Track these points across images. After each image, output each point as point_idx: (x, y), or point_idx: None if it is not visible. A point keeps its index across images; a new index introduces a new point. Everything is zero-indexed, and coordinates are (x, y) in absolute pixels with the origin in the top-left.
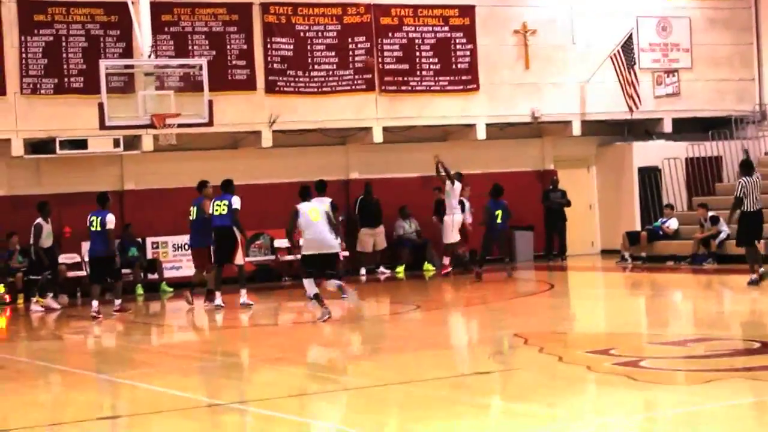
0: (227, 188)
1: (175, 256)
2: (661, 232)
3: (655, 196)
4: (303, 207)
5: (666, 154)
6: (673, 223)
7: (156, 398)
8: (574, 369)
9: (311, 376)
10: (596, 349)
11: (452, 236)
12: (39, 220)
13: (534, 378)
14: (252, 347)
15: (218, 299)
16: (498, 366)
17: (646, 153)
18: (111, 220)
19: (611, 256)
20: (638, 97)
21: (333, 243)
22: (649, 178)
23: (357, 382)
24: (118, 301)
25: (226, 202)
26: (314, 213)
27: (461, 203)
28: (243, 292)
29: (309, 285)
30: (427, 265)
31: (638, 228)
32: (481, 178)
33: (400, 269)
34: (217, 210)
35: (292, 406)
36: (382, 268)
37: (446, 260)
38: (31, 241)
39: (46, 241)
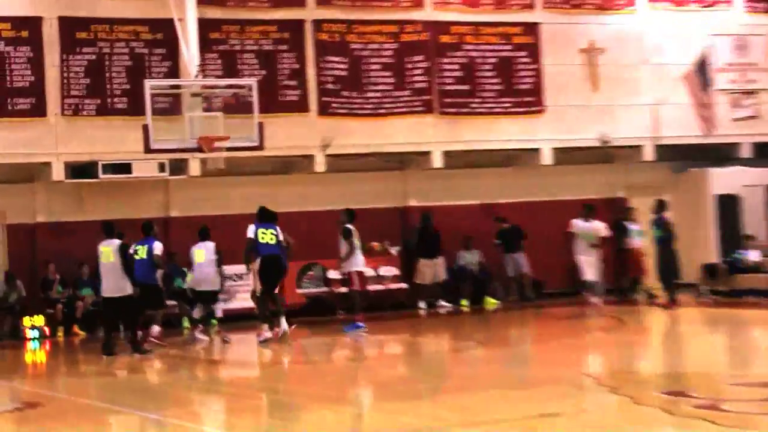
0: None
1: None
2: (741, 265)
3: (735, 225)
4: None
5: (745, 181)
6: (753, 255)
7: None
8: (649, 411)
9: (366, 417)
10: (673, 389)
11: (589, 273)
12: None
13: (606, 420)
14: (303, 385)
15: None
16: (567, 407)
17: (724, 180)
18: (158, 247)
19: (687, 290)
20: (715, 120)
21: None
22: (728, 206)
23: (414, 423)
24: (156, 329)
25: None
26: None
27: (621, 227)
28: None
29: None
30: (489, 299)
31: (716, 260)
32: (546, 206)
33: (465, 302)
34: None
35: None
36: (442, 302)
37: (593, 299)
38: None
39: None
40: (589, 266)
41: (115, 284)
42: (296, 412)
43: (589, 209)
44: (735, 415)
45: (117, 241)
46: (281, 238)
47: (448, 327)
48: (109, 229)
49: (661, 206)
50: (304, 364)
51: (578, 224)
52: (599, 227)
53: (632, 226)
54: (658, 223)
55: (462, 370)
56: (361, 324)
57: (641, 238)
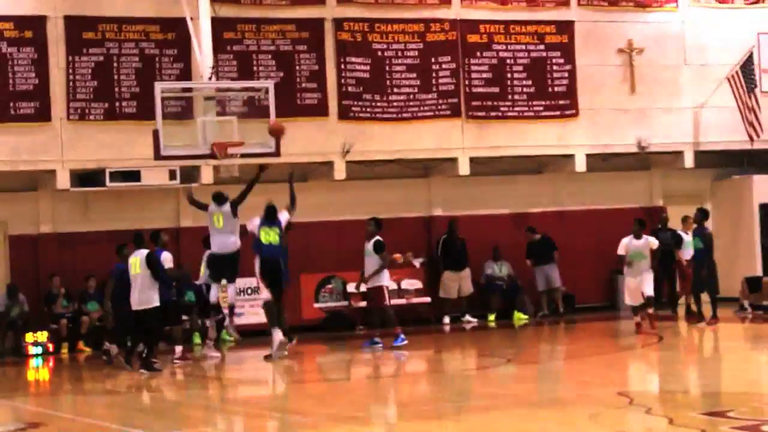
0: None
1: (236, 300)
2: None
3: None
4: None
5: None
6: None
7: None
8: None
9: None
10: (712, 410)
11: (633, 297)
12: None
13: None
14: (321, 404)
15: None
16: (600, 428)
17: None
18: (168, 258)
19: (729, 305)
20: (759, 124)
21: None
22: None
23: None
24: (179, 349)
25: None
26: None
27: (675, 236)
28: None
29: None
30: (518, 314)
31: (760, 273)
32: (580, 215)
33: (492, 317)
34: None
35: None
36: (468, 317)
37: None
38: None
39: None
40: (641, 286)
41: (140, 296)
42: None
43: (640, 225)
44: None
45: (145, 252)
46: (283, 231)
47: (474, 343)
48: (139, 240)
49: (703, 216)
50: (321, 382)
51: (630, 244)
52: (654, 242)
53: (686, 237)
54: (699, 233)
55: (488, 388)
56: (378, 341)
57: (692, 249)
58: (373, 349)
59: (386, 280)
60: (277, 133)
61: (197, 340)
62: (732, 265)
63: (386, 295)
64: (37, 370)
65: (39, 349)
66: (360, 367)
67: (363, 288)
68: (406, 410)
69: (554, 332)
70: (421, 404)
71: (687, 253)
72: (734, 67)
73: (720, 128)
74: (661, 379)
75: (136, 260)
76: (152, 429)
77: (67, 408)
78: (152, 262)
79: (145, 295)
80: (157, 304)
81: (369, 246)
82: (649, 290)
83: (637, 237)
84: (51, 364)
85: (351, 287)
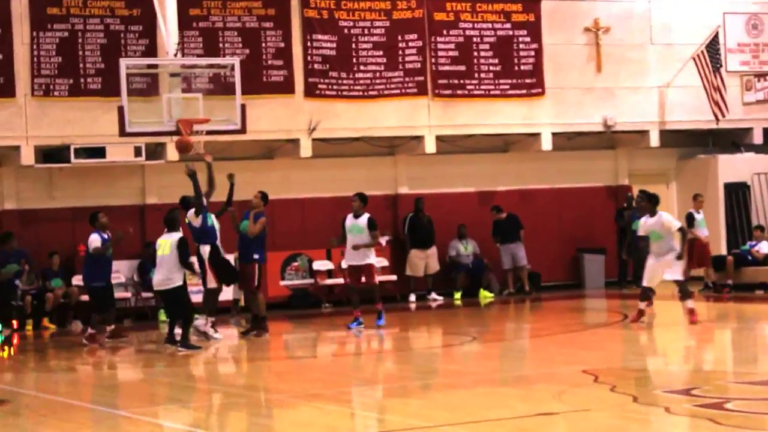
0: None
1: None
2: (749, 257)
3: (743, 216)
4: None
5: (756, 169)
6: (763, 247)
7: None
8: (650, 410)
9: (352, 416)
10: (676, 388)
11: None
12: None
13: (605, 420)
14: (286, 382)
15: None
16: (564, 406)
17: (733, 167)
18: (93, 239)
19: (692, 284)
20: (725, 104)
21: None
22: (737, 195)
23: (403, 423)
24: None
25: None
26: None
27: (688, 215)
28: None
29: None
30: (484, 292)
31: (724, 252)
32: (545, 194)
33: (458, 295)
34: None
35: None
36: (434, 294)
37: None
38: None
39: None
40: (665, 269)
41: (164, 276)
42: (278, 410)
43: (649, 200)
44: (740, 414)
45: (177, 235)
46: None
47: (440, 321)
48: (171, 223)
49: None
50: (286, 359)
51: (645, 223)
52: (668, 222)
53: (698, 216)
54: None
55: (454, 366)
56: (361, 320)
57: (705, 227)
58: (359, 330)
59: (374, 258)
60: (184, 150)
61: (163, 317)
62: None
63: (375, 273)
64: (1, 348)
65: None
66: (326, 345)
67: (345, 265)
68: (372, 388)
69: (520, 310)
70: (387, 382)
71: (702, 231)
72: (700, 47)
73: (685, 108)
74: (626, 357)
75: (167, 242)
76: (116, 406)
77: (31, 385)
78: (182, 246)
79: (170, 276)
80: (179, 283)
81: (360, 222)
82: (674, 275)
83: (652, 215)
84: (15, 341)
85: (317, 265)
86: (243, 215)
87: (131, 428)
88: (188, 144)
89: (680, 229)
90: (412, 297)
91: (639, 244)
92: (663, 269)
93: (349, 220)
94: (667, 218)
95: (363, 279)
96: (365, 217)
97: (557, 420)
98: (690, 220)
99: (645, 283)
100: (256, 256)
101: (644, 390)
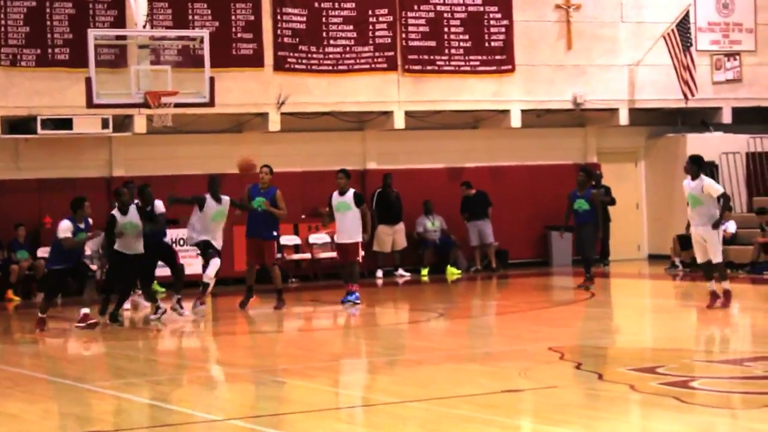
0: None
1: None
2: None
3: None
4: None
5: (724, 148)
6: (730, 227)
7: (143, 411)
8: (615, 388)
9: (319, 391)
10: (641, 366)
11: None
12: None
13: (570, 397)
14: (254, 357)
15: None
16: (530, 383)
17: (701, 146)
18: (64, 227)
19: (660, 262)
20: (694, 83)
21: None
22: (705, 174)
23: (369, 399)
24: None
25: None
26: None
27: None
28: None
29: None
30: (451, 269)
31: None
32: (515, 171)
33: (425, 272)
34: None
35: (297, 425)
36: (401, 271)
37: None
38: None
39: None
40: (707, 244)
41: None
42: (243, 385)
43: (692, 163)
44: (704, 393)
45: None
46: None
47: (407, 297)
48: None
49: (588, 177)
50: (252, 334)
51: (687, 185)
52: (710, 187)
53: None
54: (585, 196)
55: (421, 342)
56: (356, 293)
57: None
58: (354, 304)
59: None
60: (247, 170)
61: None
62: (664, 223)
63: (360, 251)
64: None
65: None
66: (292, 321)
67: (339, 241)
68: (339, 363)
69: (486, 287)
70: (354, 357)
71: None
72: (670, 25)
73: (655, 86)
74: (592, 334)
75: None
76: (83, 379)
77: None
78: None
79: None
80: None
81: (346, 199)
82: (715, 256)
83: (694, 177)
84: None
85: (284, 240)
86: (250, 192)
87: (95, 401)
88: (251, 165)
89: (722, 195)
90: (379, 273)
91: (576, 221)
92: (708, 241)
93: (335, 197)
94: (709, 182)
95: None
96: (351, 192)
97: (523, 397)
98: None
99: (698, 260)
100: (275, 233)
101: (609, 368)
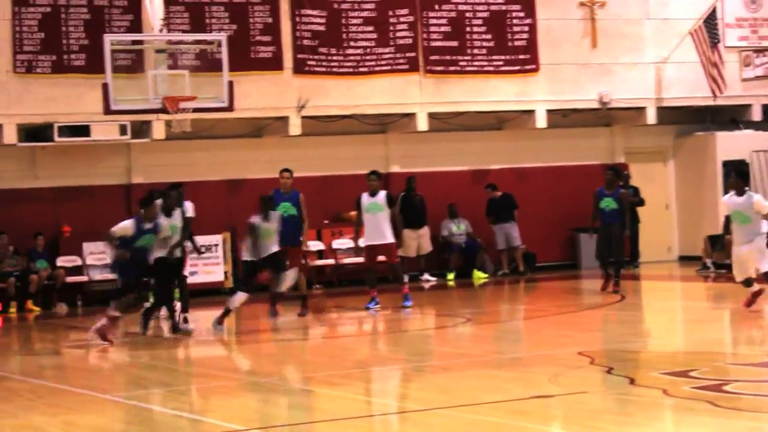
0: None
1: (189, 259)
2: None
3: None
4: None
5: (755, 146)
6: (763, 227)
7: (169, 422)
8: (647, 393)
9: (345, 399)
10: (674, 370)
11: (739, 270)
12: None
13: (602, 403)
14: (278, 365)
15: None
16: (560, 389)
17: (731, 144)
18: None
19: (691, 264)
20: (723, 80)
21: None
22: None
23: (395, 406)
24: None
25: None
26: None
27: None
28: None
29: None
30: (478, 273)
31: (722, 231)
32: (540, 172)
33: (451, 276)
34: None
35: None
36: (426, 275)
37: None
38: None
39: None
40: (756, 256)
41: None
42: (267, 394)
43: (738, 177)
44: (738, 397)
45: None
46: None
47: (433, 302)
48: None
49: (616, 176)
50: (277, 342)
51: (729, 201)
52: (760, 204)
53: None
54: (614, 195)
55: (447, 348)
56: (377, 299)
57: None
58: (377, 310)
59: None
60: None
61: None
62: (695, 223)
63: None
64: None
65: None
66: (316, 328)
67: (363, 244)
68: (365, 371)
69: (514, 291)
70: (380, 365)
71: None
72: (697, 22)
73: (683, 84)
74: (623, 338)
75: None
76: (104, 390)
77: (17, 369)
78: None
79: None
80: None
81: (378, 200)
82: (764, 266)
83: (739, 193)
84: None
85: (339, 244)
86: (273, 199)
87: (118, 412)
88: None
89: None
90: (405, 278)
91: (603, 220)
92: (753, 258)
93: (366, 198)
94: (759, 199)
95: (382, 258)
96: (383, 194)
97: (553, 403)
98: None
99: (737, 278)
100: (300, 239)
101: (641, 372)
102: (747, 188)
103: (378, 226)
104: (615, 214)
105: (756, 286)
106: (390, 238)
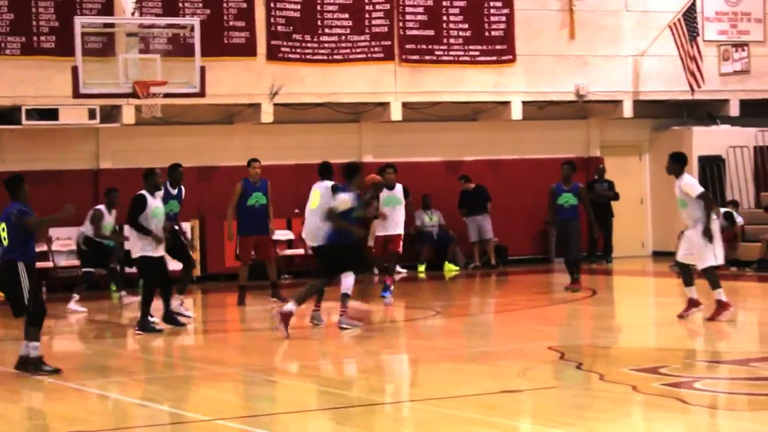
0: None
1: None
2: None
3: (718, 190)
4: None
5: (731, 142)
6: (716, 225)
7: (130, 411)
8: (617, 389)
9: (313, 391)
10: (643, 366)
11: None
12: (101, 207)
13: (571, 398)
14: (245, 355)
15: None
16: (529, 384)
17: (708, 140)
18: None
19: (664, 259)
20: (701, 74)
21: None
22: (711, 169)
23: (366, 399)
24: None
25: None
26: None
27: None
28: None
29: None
30: (449, 265)
31: None
32: (515, 165)
33: (422, 268)
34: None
35: (289, 425)
36: (397, 267)
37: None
38: (85, 229)
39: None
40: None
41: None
42: (234, 384)
43: (674, 161)
44: (708, 394)
45: (329, 183)
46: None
47: (404, 294)
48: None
49: (572, 170)
50: (245, 332)
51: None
52: (687, 186)
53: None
54: (572, 189)
55: (416, 341)
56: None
57: None
58: (390, 299)
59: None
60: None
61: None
62: (669, 219)
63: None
64: None
65: None
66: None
67: (383, 233)
68: (333, 362)
69: (485, 284)
70: (349, 356)
71: None
72: (676, 15)
73: (661, 77)
74: (594, 334)
75: (316, 193)
76: (69, 378)
77: None
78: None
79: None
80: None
81: (396, 194)
82: (701, 263)
83: (676, 176)
84: None
85: (277, 234)
86: (243, 188)
87: (81, 400)
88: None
89: (701, 196)
90: (375, 270)
91: (561, 216)
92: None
93: (384, 192)
94: (687, 182)
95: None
96: (400, 187)
97: (523, 397)
98: None
99: (678, 256)
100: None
101: (611, 368)
102: (683, 172)
103: (395, 218)
104: (573, 210)
105: (693, 293)
106: (400, 230)
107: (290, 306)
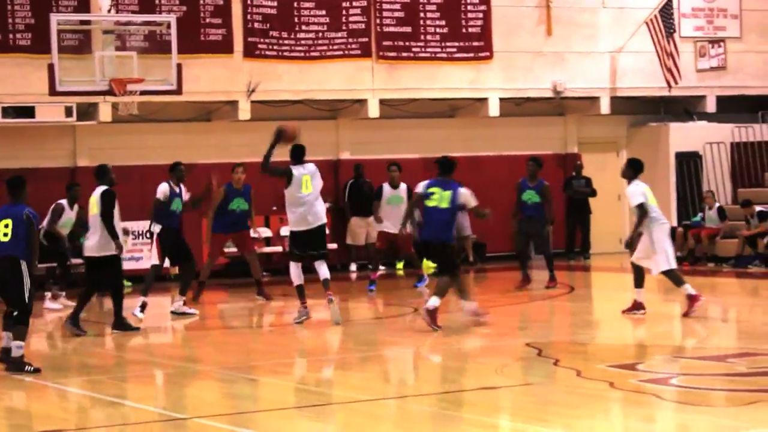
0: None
1: (134, 245)
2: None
3: (695, 187)
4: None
5: (708, 138)
6: (714, 213)
7: (106, 409)
8: (594, 385)
9: (290, 388)
10: (621, 363)
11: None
12: (63, 201)
13: (548, 395)
14: (221, 353)
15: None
16: (507, 380)
17: (685, 136)
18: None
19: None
20: (677, 70)
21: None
22: (688, 165)
23: (343, 396)
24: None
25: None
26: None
27: None
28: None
29: (294, 271)
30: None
31: (674, 223)
32: (492, 161)
33: (400, 265)
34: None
35: (268, 423)
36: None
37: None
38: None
39: (62, 229)
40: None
41: (96, 242)
42: (211, 382)
43: (630, 166)
44: (685, 390)
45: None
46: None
47: (381, 292)
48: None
49: (538, 167)
50: (222, 330)
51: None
52: (630, 195)
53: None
54: (536, 187)
55: (394, 338)
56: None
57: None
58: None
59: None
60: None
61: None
62: None
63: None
64: None
65: None
66: (263, 316)
67: (386, 230)
68: (311, 360)
69: (463, 281)
70: (326, 354)
71: None
72: (653, 11)
73: (637, 74)
74: (571, 330)
75: (93, 199)
76: (43, 377)
77: None
78: (104, 198)
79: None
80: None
81: (401, 192)
82: (656, 268)
83: (629, 182)
84: None
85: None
86: (226, 193)
87: (57, 399)
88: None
89: (638, 206)
90: (353, 267)
91: (524, 213)
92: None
93: (388, 190)
94: (630, 190)
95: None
96: (404, 186)
97: (500, 394)
98: None
99: (632, 257)
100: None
101: (588, 364)
102: (635, 178)
103: (396, 216)
104: (537, 208)
105: (641, 296)
106: (408, 228)
107: (433, 301)
